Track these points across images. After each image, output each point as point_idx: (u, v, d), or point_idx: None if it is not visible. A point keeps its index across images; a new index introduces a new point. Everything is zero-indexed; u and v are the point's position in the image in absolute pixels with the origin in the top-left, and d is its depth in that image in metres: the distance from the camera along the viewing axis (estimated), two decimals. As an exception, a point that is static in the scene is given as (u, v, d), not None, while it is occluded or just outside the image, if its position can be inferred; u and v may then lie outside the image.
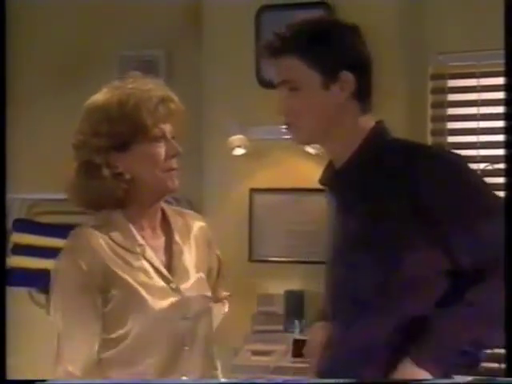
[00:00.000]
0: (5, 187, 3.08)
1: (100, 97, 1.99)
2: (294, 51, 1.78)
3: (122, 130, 1.93)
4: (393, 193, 1.75)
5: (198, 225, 2.15)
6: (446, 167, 1.76)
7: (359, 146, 1.81)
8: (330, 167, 1.90)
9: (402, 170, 1.76)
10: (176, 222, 2.09)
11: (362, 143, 1.81)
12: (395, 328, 1.75)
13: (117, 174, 1.96)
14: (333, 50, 1.78)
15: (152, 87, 1.97)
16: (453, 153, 1.92)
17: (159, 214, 2.06)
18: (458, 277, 1.76)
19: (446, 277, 1.76)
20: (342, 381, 1.78)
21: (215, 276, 2.23)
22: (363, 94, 1.82)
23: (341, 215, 1.86)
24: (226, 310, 2.32)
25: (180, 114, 2.01)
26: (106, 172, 1.95)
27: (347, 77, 1.78)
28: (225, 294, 2.32)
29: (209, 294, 2.09)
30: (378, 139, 1.82)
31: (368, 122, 1.84)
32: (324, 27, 1.82)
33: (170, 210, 2.11)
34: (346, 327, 1.83)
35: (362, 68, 1.82)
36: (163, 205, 2.09)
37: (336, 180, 1.86)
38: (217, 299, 2.28)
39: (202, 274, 2.08)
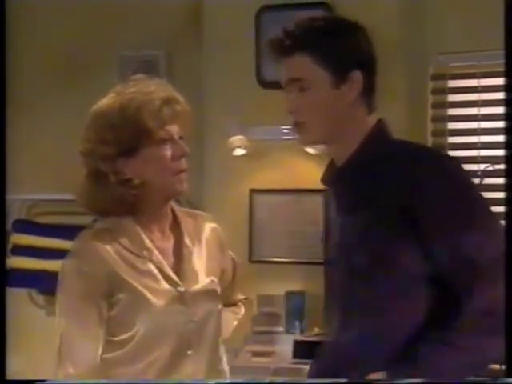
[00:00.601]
0: (5, 188, 3.06)
1: (103, 103, 1.97)
2: (305, 49, 1.76)
3: (127, 136, 1.91)
4: (389, 193, 1.74)
5: (209, 226, 2.13)
6: (442, 172, 1.74)
7: (360, 145, 1.80)
8: (331, 166, 1.89)
9: (399, 171, 1.75)
10: (186, 224, 2.07)
11: (363, 142, 1.80)
12: (385, 334, 1.75)
13: (125, 180, 1.94)
14: (344, 48, 1.77)
15: (154, 89, 1.95)
16: (452, 158, 1.88)
17: (169, 216, 2.04)
18: (443, 288, 1.73)
19: (430, 286, 1.73)
20: (342, 381, 1.78)
21: (230, 278, 2.22)
22: (369, 93, 1.81)
23: (339, 214, 1.86)
24: (243, 312, 2.31)
25: (186, 114, 2.00)
26: (114, 179, 1.93)
27: (357, 76, 1.77)
28: (240, 297, 2.31)
29: (218, 297, 2.07)
30: (379, 138, 1.81)
31: (370, 120, 1.83)
32: (334, 25, 1.82)
33: (180, 211, 2.09)
34: (343, 328, 1.82)
35: (369, 67, 1.81)
36: (174, 206, 2.07)
37: (336, 179, 1.85)
38: (233, 302, 2.28)
39: (213, 278, 2.06)
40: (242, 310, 2.31)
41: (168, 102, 1.95)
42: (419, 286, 1.73)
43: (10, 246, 3.93)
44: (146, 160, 1.93)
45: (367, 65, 1.80)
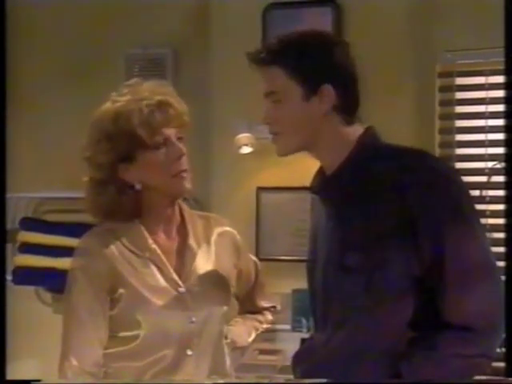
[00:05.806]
0: (5, 188, 3.07)
1: (100, 111, 1.99)
2: (278, 62, 1.82)
3: (122, 144, 1.94)
4: (382, 198, 1.77)
5: (220, 229, 2.14)
6: (434, 177, 1.76)
7: (349, 153, 1.83)
8: (320, 174, 1.93)
9: (392, 176, 1.78)
10: (195, 226, 2.08)
11: (352, 150, 1.84)
12: (380, 334, 1.77)
13: (126, 186, 1.97)
14: (316, 63, 1.81)
15: (146, 95, 1.96)
16: (443, 163, 1.92)
17: (177, 218, 2.06)
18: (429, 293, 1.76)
19: (419, 290, 1.76)
20: (342, 381, 1.79)
21: (252, 281, 2.23)
22: (346, 108, 1.84)
23: (331, 220, 1.88)
24: (269, 320, 2.28)
25: (181, 115, 1.99)
26: (115, 187, 1.97)
27: (328, 90, 1.80)
28: (266, 305, 2.30)
29: (225, 298, 2.07)
30: (367, 146, 1.85)
31: (357, 130, 1.86)
32: (311, 41, 1.84)
33: (191, 213, 2.11)
34: (336, 330, 1.84)
35: (345, 83, 1.83)
36: (184, 207, 2.09)
37: (327, 186, 1.89)
38: (257, 308, 2.27)
39: (219, 279, 2.06)
40: (268, 318, 2.30)
41: (160, 106, 1.96)
42: (411, 287, 1.75)
43: (17, 244, 3.94)
44: (144, 165, 1.95)
45: (343, 81, 1.83)
